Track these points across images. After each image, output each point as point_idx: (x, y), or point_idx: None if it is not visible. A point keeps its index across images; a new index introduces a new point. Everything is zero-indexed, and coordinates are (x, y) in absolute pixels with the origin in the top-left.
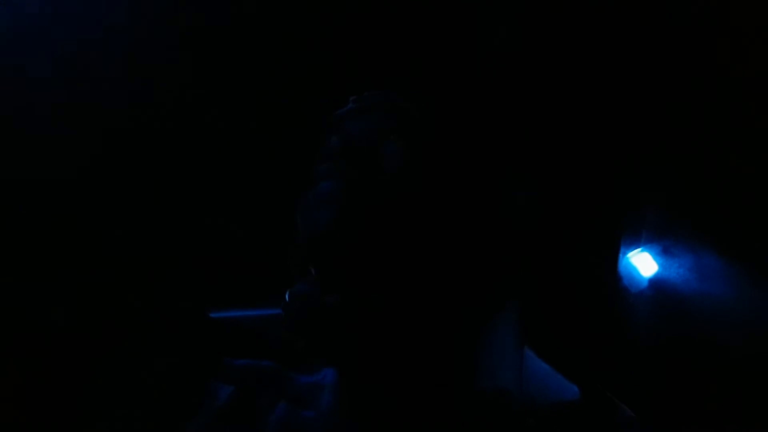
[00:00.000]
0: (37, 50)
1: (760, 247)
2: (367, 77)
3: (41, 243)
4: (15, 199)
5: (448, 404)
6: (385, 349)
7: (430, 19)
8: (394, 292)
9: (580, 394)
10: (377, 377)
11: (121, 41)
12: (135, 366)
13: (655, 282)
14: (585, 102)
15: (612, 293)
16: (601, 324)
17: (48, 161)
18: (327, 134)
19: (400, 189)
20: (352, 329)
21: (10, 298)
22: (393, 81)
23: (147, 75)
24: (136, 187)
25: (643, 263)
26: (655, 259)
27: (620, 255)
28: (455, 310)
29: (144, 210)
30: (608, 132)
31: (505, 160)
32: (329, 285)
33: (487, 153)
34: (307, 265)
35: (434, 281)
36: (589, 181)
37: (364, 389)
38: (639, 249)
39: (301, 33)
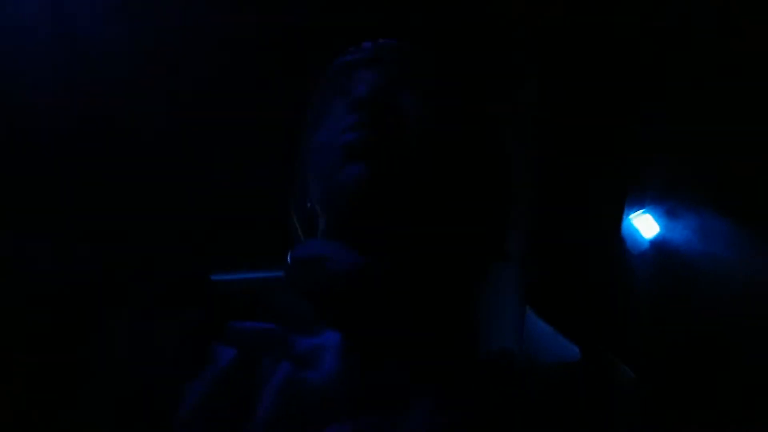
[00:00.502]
0: (36, 48)
1: (764, 209)
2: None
3: (43, 209)
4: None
5: (450, 365)
6: (389, 310)
7: None
8: (403, 249)
9: (581, 354)
10: (379, 339)
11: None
12: (136, 329)
13: (657, 243)
14: (590, 63)
15: (614, 254)
16: (603, 284)
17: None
18: (339, 78)
19: (422, 145)
20: (356, 292)
21: (12, 255)
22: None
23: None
24: (133, 149)
25: (645, 225)
26: (657, 220)
27: (624, 216)
28: (457, 261)
29: (143, 174)
30: (612, 93)
31: (509, 115)
32: (341, 244)
33: (492, 107)
34: (311, 222)
35: (441, 234)
36: (593, 142)
37: (366, 351)
38: (641, 210)
39: None
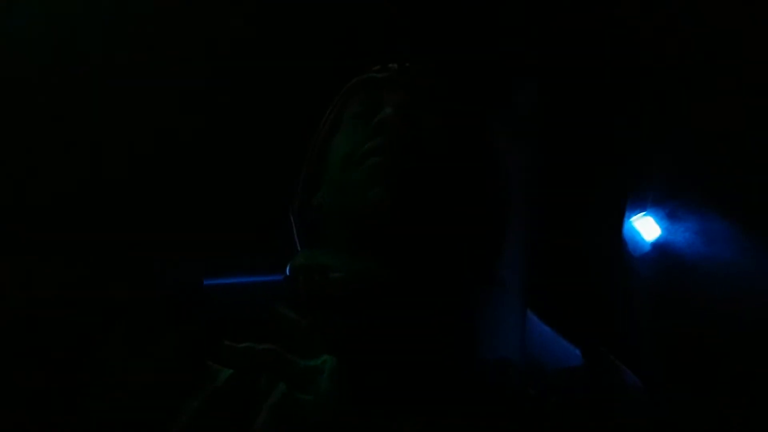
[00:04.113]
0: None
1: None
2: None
3: (37, 222)
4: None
5: (446, 382)
6: (389, 321)
7: None
8: (407, 264)
9: (584, 358)
10: (376, 359)
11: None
12: (133, 346)
13: (659, 245)
14: (590, 65)
15: (615, 256)
16: (604, 286)
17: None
18: (363, 94)
19: (440, 167)
20: (358, 301)
21: (8, 279)
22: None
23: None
24: (129, 156)
25: (645, 227)
26: (658, 222)
27: (625, 219)
28: (457, 277)
29: (139, 179)
30: (614, 95)
31: (509, 132)
32: (343, 254)
33: (494, 121)
34: (312, 227)
35: (445, 248)
36: (594, 144)
37: (362, 373)
38: (642, 213)
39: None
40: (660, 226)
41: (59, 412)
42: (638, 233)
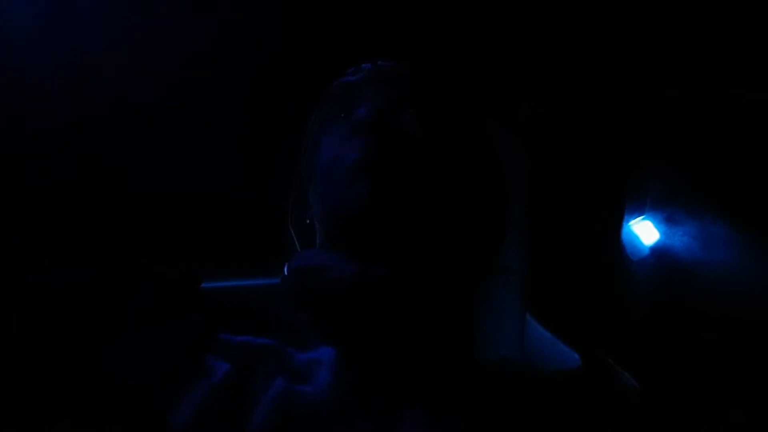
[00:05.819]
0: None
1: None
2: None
3: (35, 221)
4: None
5: (445, 375)
6: (388, 319)
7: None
8: (402, 261)
9: (582, 361)
10: (375, 351)
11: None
12: (130, 341)
13: (657, 250)
14: (590, 69)
15: (614, 261)
16: (603, 291)
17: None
18: (339, 99)
19: (424, 162)
20: (357, 300)
21: (8, 279)
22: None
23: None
24: (128, 157)
25: (644, 231)
26: (657, 227)
27: (623, 223)
28: (453, 274)
29: (138, 180)
30: (612, 98)
31: (505, 131)
32: (340, 254)
33: (490, 123)
34: (309, 237)
35: (438, 246)
36: (593, 149)
37: (361, 365)
38: (641, 217)
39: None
40: (659, 231)
41: (59, 408)
42: (637, 237)
